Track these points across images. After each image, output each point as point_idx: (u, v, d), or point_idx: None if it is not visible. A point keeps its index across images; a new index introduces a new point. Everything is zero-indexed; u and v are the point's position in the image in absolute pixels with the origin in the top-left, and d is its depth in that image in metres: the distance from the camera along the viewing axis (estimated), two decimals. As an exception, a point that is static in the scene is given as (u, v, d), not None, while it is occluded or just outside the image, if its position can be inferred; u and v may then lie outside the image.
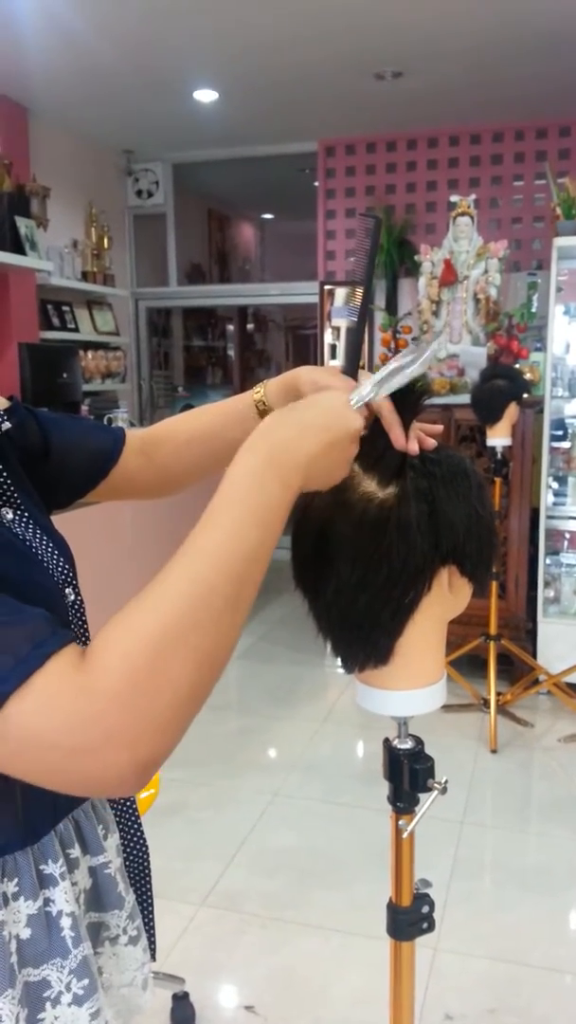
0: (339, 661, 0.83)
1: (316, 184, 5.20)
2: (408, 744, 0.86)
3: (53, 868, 0.76)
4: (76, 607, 0.83)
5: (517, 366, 3.65)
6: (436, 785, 0.84)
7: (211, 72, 4.00)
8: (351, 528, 0.75)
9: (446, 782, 0.84)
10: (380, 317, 4.75)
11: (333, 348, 5.21)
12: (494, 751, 3.12)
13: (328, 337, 5.23)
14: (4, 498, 0.78)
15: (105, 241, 5.08)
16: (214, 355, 7.71)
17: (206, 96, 4.29)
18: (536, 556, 3.65)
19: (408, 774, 0.85)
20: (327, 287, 5.18)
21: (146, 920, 0.94)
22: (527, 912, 2.23)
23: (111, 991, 0.88)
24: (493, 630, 3.29)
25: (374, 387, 0.73)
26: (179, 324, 6.90)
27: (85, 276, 4.89)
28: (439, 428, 0.82)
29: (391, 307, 4.88)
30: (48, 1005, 0.76)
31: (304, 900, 2.29)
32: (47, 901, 0.76)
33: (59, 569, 0.79)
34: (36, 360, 4.03)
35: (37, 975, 0.75)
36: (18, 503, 0.79)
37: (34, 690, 0.53)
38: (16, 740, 0.53)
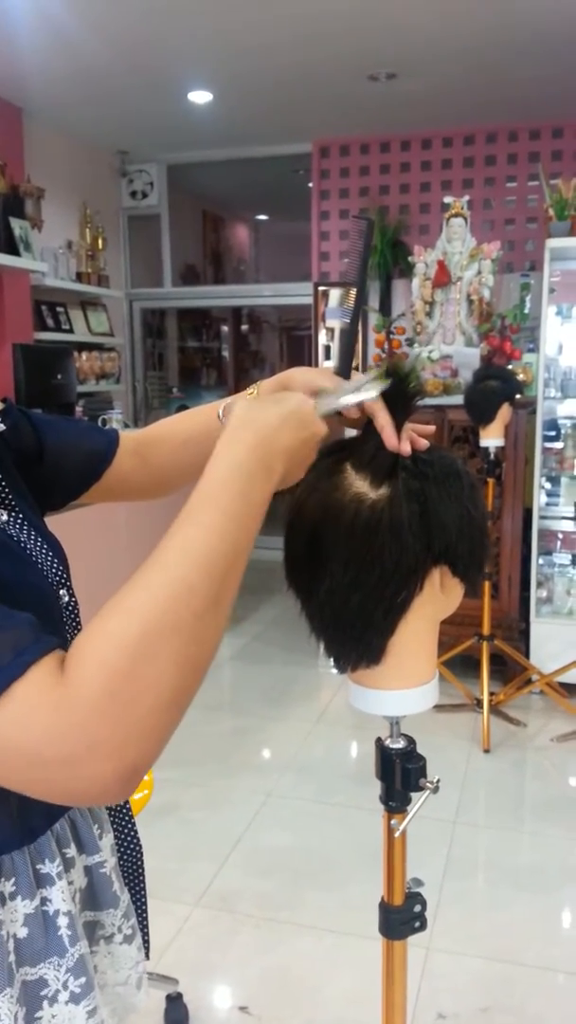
0: (332, 661, 0.83)
1: (310, 185, 5.21)
2: (400, 744, 0.87)
3: (50, 867, 0.77)
4: (70, 608, 0.83)
5: (510, 367, 3.66)
6: (428, 784, 0.85)
7: (206, 73, 4.01)
8: (343, 528, 0.75)
9: (438, 781, 0.84)
10: (374, 318, 4.76)
11: (327, 349, 5.22)
12: (487, 751, 3.13)
13: (322, 338, 5.24)
14: (-1, 500, 0.78)
15: (99, 242, 5.08)
16: (208, 356, 7.71)
17: (201, 97, 4.29)
18: (529, 556, 3.66)
19: (400, 773, 0.85)
20: (321, 288, 5.19)
21: (140, 919, 0.95)
22: (520, 911, 2.24)
23: (106, 989, 0.88)
24: (486, 630, 3.30)
25: (336, 398, 0.78)
26: (173, 325, 6.90)
27: (79, 277, 4.89)
28: (431, 429, 0.82)
29: (385, 308, 4.89)
30: (45, 1003, 0.76)
31: (298, 900, 2.29)
32: (44, 900, 0.76)
33: (53, 571, 0.80)
34: (30, 361, 4.03)
35: (34, 974, 0.76)
36: (12, 505, 0.79)
37: (14, 700, 0.52)
38: None
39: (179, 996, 1.89)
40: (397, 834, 0.87)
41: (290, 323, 8.47)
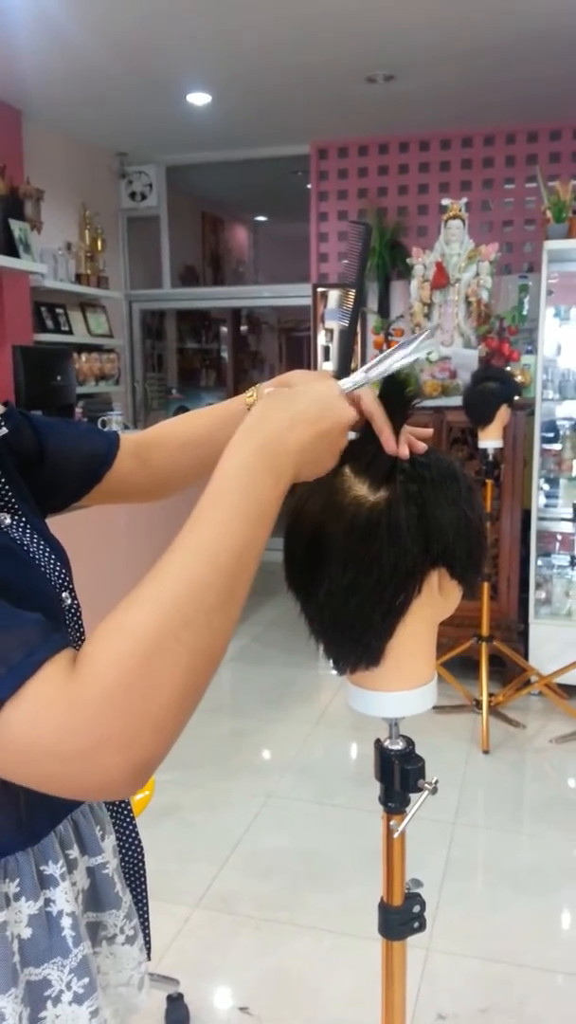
0: (331, 663, 0.84)
1: (309, 187, 5.22)
2: (399, 745, 0.87)
3: (53, 869, 0.77)
4: (72, 611, 0.84)
5: (508, 368, 3.67)
6: (427, 785, 0.85)
7: (205, 75, 4.01)
8: (342, 531, 0.76)
9: (436, 782, 0.85)
10: (372, 319, 4.77)
11: (326, 350, 5.23)
12: (486, 752, 3.13)
13: (321, 339, 5.24)
14: (1, 503, 0.78)
15: (99, 243, 5.09)
16: (207, 357, 7.71)
17: (199, 99, 4.30)
18: (528, 557, 3.67)
19: (399, 774, 0.85)
20: (320, 289, 5.20)
21: (142, 920, 0.95)
22: (519, 912, 2.24)
23: (109, 990, 0.88)
24: (485, 631, 3.30)
25: (364, 372, 0.76)
26: (172, 326, 6.90)
27: (79, 278, 4.90)
28: (429, 432, 0.83)
29: (383, 309, 4.90)
30: (49, 1004, 0.77)
31: (298, 901, 2.29)
32: (48, 901, 0.77)
33: (56, 573, 0.80)
34: (30, 362, 4.03)
35: (38, 974, 0.76)
36: (15, 508, 0.80)
37: (28, 698, 0.53)
38: (12, 747, 0.54)
39: (180, 997, 1.90)
40: (396, 835, 0.87)
41: (289, 324, 8.48)
